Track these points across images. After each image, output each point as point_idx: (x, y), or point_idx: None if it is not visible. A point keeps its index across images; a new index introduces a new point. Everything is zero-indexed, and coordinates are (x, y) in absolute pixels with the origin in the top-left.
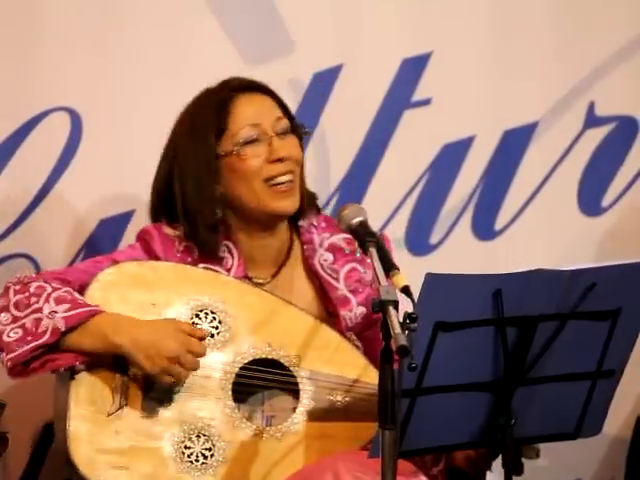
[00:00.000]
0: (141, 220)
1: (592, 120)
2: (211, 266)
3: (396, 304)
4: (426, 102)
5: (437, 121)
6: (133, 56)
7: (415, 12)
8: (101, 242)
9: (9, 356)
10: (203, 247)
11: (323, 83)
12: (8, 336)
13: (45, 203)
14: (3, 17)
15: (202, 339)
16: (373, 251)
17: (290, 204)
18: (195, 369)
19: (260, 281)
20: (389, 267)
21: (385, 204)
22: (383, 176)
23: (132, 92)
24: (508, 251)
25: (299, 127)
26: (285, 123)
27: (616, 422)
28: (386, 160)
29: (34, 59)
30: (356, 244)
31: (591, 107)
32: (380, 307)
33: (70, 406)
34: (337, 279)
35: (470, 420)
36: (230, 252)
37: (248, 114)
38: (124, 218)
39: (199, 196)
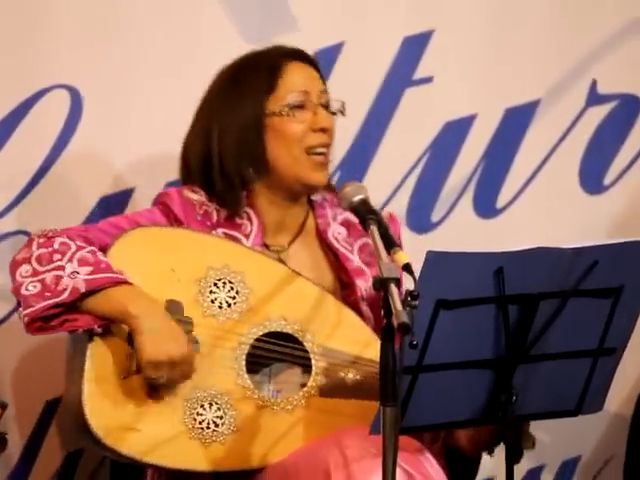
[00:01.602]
0: (141, 198)
1: (594, 98)
2: (230, 231)
3: (397, 281)
4: (428, 80)
5: (438, 99)
6: (133, 34)
7: None
8: (101, 219)
9: (26, 311)
10: (231, 205)
11: (324, 61)
12: (27, 289)
13: (45, 180)
14: None
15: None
16: (374, 229)
17: (323, 177)
18: (170, 384)
19: (277, 248)
20: (390, 244)
21: (386, 182)
22: (384, 154)
23: (132, 70)
24: (510, 229)
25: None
26: (327, 97)
27: (617, 399)
28: (387, 138)
29: (35, 36)
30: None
31: (593, 85)
32: (381, 284)
33: (86, 367)
34: (351, 252)
35: (471, 397)
36: (249, 218)
37: (298, 80)
38: (124, 195)
39: (241, 151)
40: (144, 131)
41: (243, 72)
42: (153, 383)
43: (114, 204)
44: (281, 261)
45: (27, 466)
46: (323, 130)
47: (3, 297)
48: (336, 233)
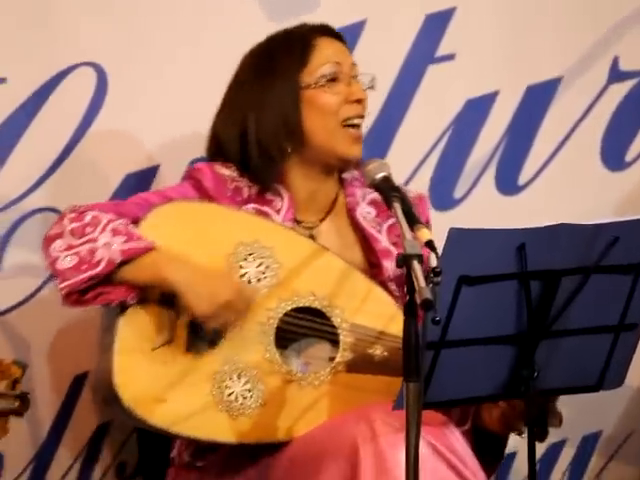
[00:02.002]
0: (166, 175)
1: (616, 75)
2: (260, 207)
3: (420, 258)
4: (450, 57)
5: (461, 76)
6: (158, 12)
7: None
8: (127, 196)
9: (64, 284)
10: (266, 180)
11: (347, 38)
12: (62, 263)
13: (72, 158)
14: None
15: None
16: (397, 206)
17: (359, 151)
18: (241, 318)
19: (309, 225)
20: (413, 222)
21: (409, 159)
22: (407, 131)
23: (157, 48)
24: (531, 206)
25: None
26: (357, 70)
27: (638, 375)
28: (410, 115)
29: (61, 14)
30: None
31: (615, 62)
32: (404, 261)
33: (117, 339)
34: (380, 232)
35: (493, 373)
36: (280, 194)
37: (330, 52)
38: (149, 173)
39: (278, 126)
40: (169, 109)
41: (275, 50)
42: (209, 333)
43: (140, 181)
44: (312, 237)
45: (57, 438)
46: (358, 101)
47: (31, 274)
48: (365, 212)
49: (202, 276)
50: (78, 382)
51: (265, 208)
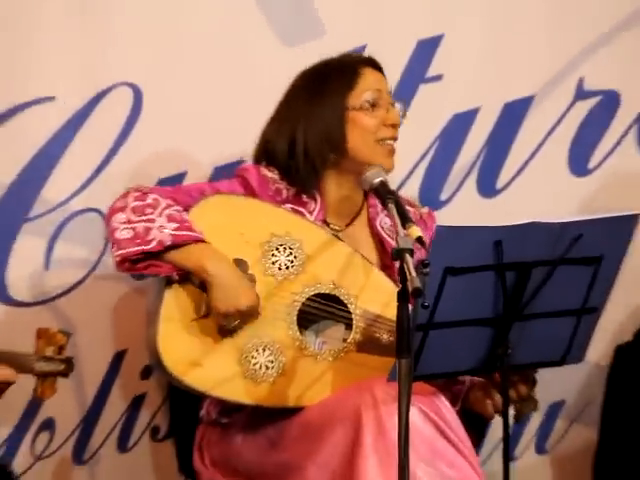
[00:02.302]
0: (191, 180)
1: (581, 93)
2: (296, 207)
3: (411, 252)
4: (438, 78)
5: (448, 94)
6: (188, 38)
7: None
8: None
9: (119, 252)
10: (307, 185)
11: None
12: (120, 234)
13: (111, 166)
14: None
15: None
16: (392, 207)
17: (392, 163)
18: (236, 329)
19: (336, 227)
20: (405, 220)
21: (402, 165)
22: (401, 141)
23: (186, 70)
24: (508, 207)
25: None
26: (391, 98)
27: (597, 351)
28: (404, 127)
29: (102, 39)
30: (414, 209)
31: (580, 82)
32: (398, 254)
33: (162, 308)
34: (393, 239)
35: (473, 350)
36: (314, 198)
37: (372, 81)
38: (179, 177)
39: (324, 139)
40: (194, 122)
41: (326, 74)
42: (223, 328)
43: (170, 184)
44: (337, 237)
45: (100, 406)
46: (393, 125)
47: (76, 265)
48: (382, 223)
49: (233, 279)
50: (118, 357)
51: (300, 208)
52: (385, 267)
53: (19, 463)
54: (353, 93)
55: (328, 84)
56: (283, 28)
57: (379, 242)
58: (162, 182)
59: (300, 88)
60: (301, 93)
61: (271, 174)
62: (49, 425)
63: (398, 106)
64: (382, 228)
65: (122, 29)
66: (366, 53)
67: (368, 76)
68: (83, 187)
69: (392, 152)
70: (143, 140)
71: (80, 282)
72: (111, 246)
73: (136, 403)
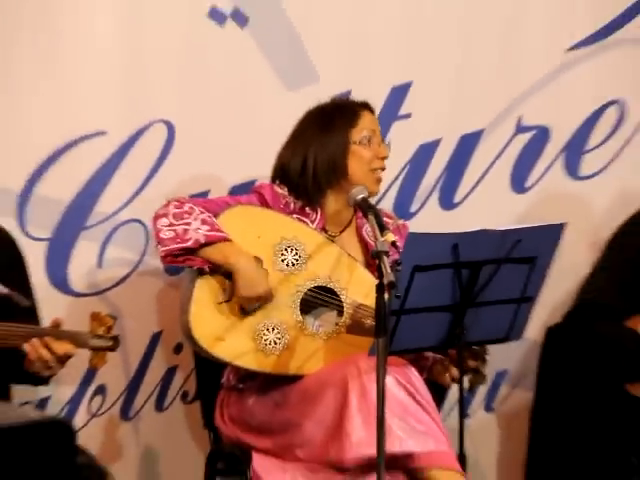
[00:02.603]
0: (214, 195)
1: (520, 128)
2: (301, 217)
3: (387, 253)
4: (408, 116)
5: (415, 129)
6: (211, 83)
7: (403, 53)
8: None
9: (163, 248)
10: (312, 199)
11: None
12: (164, 234)
13: (151, 185)
14: (114, 48)
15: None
16: (372, 218)
17: (378, 189)
18: (254, 311)
19: (332, 234)
20: (382, 229)
21: (381, 184)
22: None
23: (209, 108)
24: (463, 217)
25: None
26: (381, 136)
27: (533, 331)
28: None
29: (143, 84)
30: (393, 220)
31: (519, 119)
32: (377, 255)
33: (194, 293)
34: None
35: (436, 331)
36: (316, 211)
37: (369, 121)
38: (203, 194)
39: (330, 165)
40: (216, 151)
41: (333, 112)
42: (243, 310)
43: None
44: (333, 242)
45: (141, 376)
46: (384, 158)
47: (123, 264)
48: (367, 230)
49: (253, 271)
50: (155, 337)
51: (304, 218)
52: (368, 265)
53: (78, 420)
54: (354, 130)
55: (335, 121)
56: (287, 76)
57: (364, 245)
58: (189, 197)
59: (311, 121)
60: (312, 126)
61: (282, 191)
62: (101, 390)
63: (388, 144)
64: (367, 234)
65: (157, 77)
66: (351, 97)
67: (366, 117)
68: (128, 203)
69: (380, 180)
70: (175, 165)
71: (125, 277)
72: (156, 244)
73: (170, 373)
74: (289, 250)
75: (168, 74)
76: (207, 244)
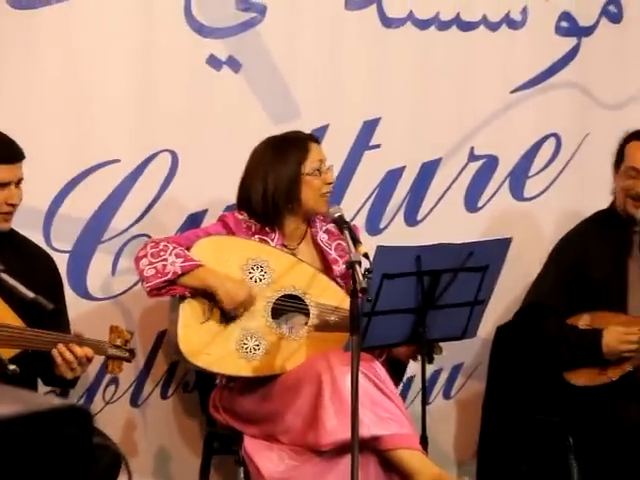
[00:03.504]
0: (211, 215)
1: (472, 157)
2: (262, 237)
3: (360, 263)
4: (377, 146)
5: (383, 157)
6: (208, 119)
7: (372, 93)
8: (187, 229)
9: (147, 284)
10: (271, 222)
11: (317, 136)
12: (147, 272)
13: (157, 205)
14: (127, 89)
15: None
16: (347, 232)
17: (327, 209)
18: (249, 307)
19: (291, 247)
20: (355, 241)
21: (354, 204)
22: (353, 188)
23: (206, 141)
24: (425, 233)
25: None
26: (326, 164)
27: (485, 329)
28: (355, 179)
29: (151, 118)
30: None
31: (472, 149)
32: (351, 265)
33: (179, 317)
34: (330, 249)
35: (402, 329)
36: (274, 230)
37: (317, 153)
38: (202, 213)
39: (286, 193)
40: (212, 176)
41: (285, 145)
42: (232, 315)
43: (196, 218)
44: (294, 254)
45: (148, 369)
46: (330, 183)
47: (134, 273)
48: (322, 238)
49: (229, 283)
50: (160, 335)
51: (265, 237)
52: (326, 269)
53: (94, 407)
54: (306, 163)
55: (289, 155)
56: (272, 111)
57: (320, 252)
58: (191, 216)
59: (266, 152)
60: (268, 159)
61: (242, 217)
62: (114, 381)
63: (332, 169)
64: (322, 241)
65: (164, 114)
66: (329, 130)
67: (314, 150)
68: (137, 220)
69: (327, 201)
70: (178, 188)
71: (135, 284)
72: (141, 282)
73: (172, 367)
74: (255, 268)
75: (173, 111)
76: (184, 274)
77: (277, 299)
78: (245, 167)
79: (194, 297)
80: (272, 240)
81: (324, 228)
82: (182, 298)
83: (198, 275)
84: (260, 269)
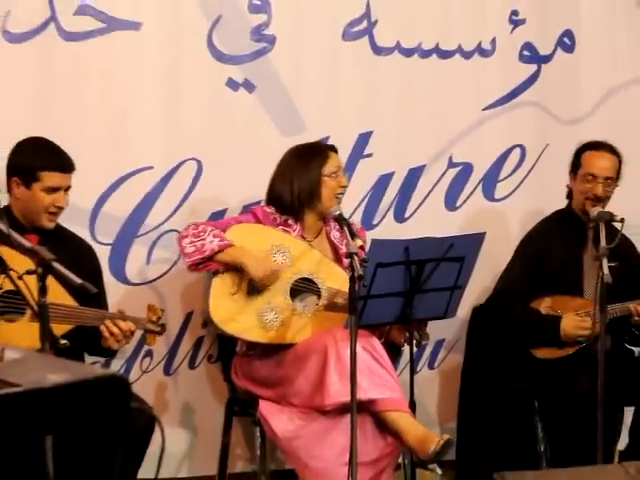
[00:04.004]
0: (230, 213)
1: (451, 164)
2: (285, 228)
3: (357, 254)
4: (370, 155)
5: (376, 164)
6: (226, 132)
7: (366, 110)
8: (213, 220)
9: (188, 260)
10: (295, 216)
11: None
12: (188, 250)
13: (184, 205)
14: (159, 107)
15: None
16: (346, 228)
17: (339, 206)
18: (273, 281)
19: (309, 239)
20: (353, 236)
21: (352, 204)
22: (350, 190)
23: (225, 149)
24: (412, 228)
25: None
26: (343, 170)
27: (463, 310)
28: (351, 183)
29: (179, 130)
30: (354, 225)
31: (451, 157)
32: (349, 255)
33: (212, 289)
34: (341, 244)
35: (393, 310)
36: (296, 223)
37: (335, 160)
38: (222, 212)
39: (309, 192)
40: (231, 179)
41: (309, 151)
42: (260, 287)
43: (217, 216)
44: (310, 245)
45: (178, 343)
46: (344, 186)
47: (165, 262)
48: (334, 235)
49: (255, 258)
50: (189, 315)
51: (287, 229)
52: (337, 260)
53: (132, 376)
54: (326, 167)
55: (311, 159)
56: (282, 126)
57: (333, 246)
58: (213, 213)
59: (294, 159)
60: (295, 162)
61: (269, 210)
62: (149, 354)
63: (346, 175)
64: (334, 238)
65: (190, 128)
66: (329, 141)
67: (333, 157)
68: (168, 217)
69: (340, 201)
70: (202, 191)
71: (167, 272)
72: (183, 257)
73: (199, 341)
74: (278, 253)
75: (197, 125)
76: (219, 251)
77: (295, 281)
78: (275, 168)
79: (227, 272)
80: (293, 231)
81: (336, 227)
82: (215, 273)
83: (231, 253)
84: (282, 254)
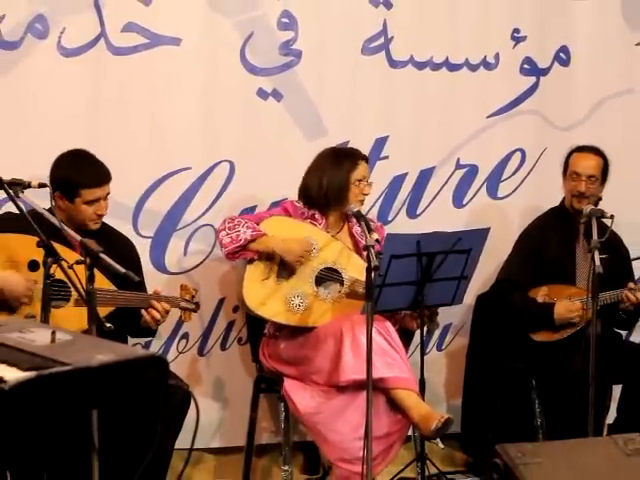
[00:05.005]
0: (259, 210)
1: (458, 166)
2: (312, 221)
3: (373, 247)
4: (386, 157)
5: (390, 166)
6: (254, 137)
7: (383, 116)
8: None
9: (225, 250)
10: (323, 210)
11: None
12: (225, 240)
13: (218, 203)
14: (197, 115)
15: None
16: (363, 223)
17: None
18: (304, 263)
19: (333, 233)
20: (369, 230)
21: (368, 202)
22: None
23: (254, 152)
24: (423, 224)
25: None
26: (368, 180)
27: (469, 298)
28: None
29: (214, 134)
30: (373, 223)
31: (458, 160)
32: (367, 248)
33: (246, 275)
34: (362, 239)
35: (405, 297)
36: (322, 217)
37: (362, 169)
38: (252, 208)
39: (337, 193)
40: (260, 179)
41: (340, 155)
42: (289, 272)
43: (249, 210)
44: (335, 238)
45: (211, 327)
46: (366, 194)
47: (200, 253)
48: (355, 230)
49: (285, 243)
50: (221, 301)
51: (314, 222)
52: (358, 253)
53: (170, 356)
54: (354, 173)
55: (343, 163)
56: (306, 131)
57: (355, 241)
58: (244, 210)
59: (327, 157)
60: (327, 163)
61: (299, 205)
62: (185, 336)
63: (371, 184)
64: (356, 233)
65: (224, 132)
66: (349, 145)
67: (362, 166)
68: (204, 213)
69: (363, 203)
70: (234, 189)
71: (201, 262)
72: (220, 247)
73: (230, 325)
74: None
75: (231, 131)
76: (252, 240)
77: (320, 270)
78: (308, 167)
79: (259, 260)
80: (320, 225)
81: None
82: (251, 262)
83: (263, 241)
84: (310, 244)
